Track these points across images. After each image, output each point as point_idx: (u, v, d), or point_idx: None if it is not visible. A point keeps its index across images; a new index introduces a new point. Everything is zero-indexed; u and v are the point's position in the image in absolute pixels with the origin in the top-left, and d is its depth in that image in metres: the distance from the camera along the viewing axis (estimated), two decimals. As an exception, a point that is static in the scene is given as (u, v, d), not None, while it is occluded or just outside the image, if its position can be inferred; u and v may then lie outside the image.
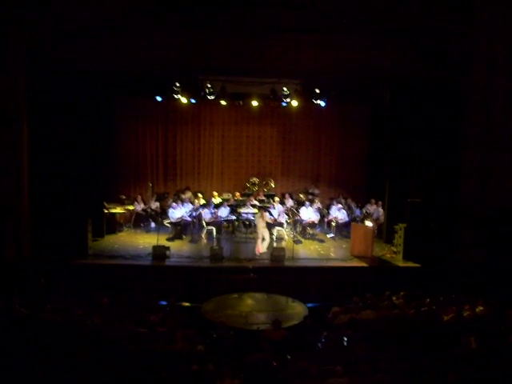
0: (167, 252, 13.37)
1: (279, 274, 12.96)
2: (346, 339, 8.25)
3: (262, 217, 14.25)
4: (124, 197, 17.58)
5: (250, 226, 15.80)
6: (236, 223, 16.17)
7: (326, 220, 16.79)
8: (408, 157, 14.75)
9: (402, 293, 10.84)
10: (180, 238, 15.32)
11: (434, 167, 14.02)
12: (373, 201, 17.07)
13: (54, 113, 13.53)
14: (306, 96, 15.44)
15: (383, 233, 15.89)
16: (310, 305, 11.45)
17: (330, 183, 19.92)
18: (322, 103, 15.68)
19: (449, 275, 12.62)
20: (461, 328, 8.54)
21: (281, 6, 12.02)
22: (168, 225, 15.78)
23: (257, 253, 13.83)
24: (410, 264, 13.55)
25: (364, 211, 16.91)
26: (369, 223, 14.45)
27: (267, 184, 18.91)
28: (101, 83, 14.50)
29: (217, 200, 16.94)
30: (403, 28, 12.35)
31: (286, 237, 15.69)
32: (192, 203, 16.52)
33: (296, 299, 11.65)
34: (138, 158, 19.14)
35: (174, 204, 15.74)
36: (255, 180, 18.90)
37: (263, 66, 13.45)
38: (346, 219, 16.24)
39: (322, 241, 15.73)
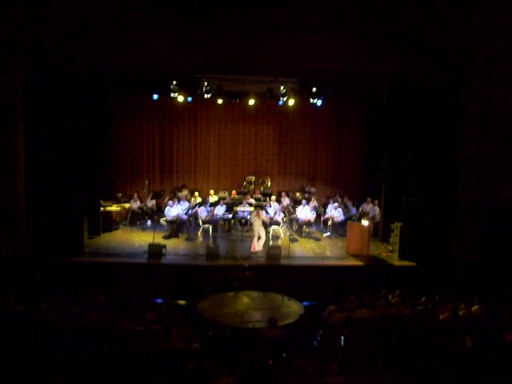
0: (163, 250, 13.36)
1: (275, 273, 12.97)
2: (342, 338, 8.25)
3: (258, 215, 14.27)
4: (120, 194, 17.56)
5: (246, 224, 15.81)
6: (232, 221, 16.17)
7: (322, 218, 16.79)
8: (405, 156, 14.75)
9: (397, 291, 10.85)
10: (176, 236, 15.30)
11: (431, 166, 14.03)
12: (369, 199, 17.09)
13: (51, 111, 13.47)
14: (303, 95, 15.46)
15: (379, 232, 15.91)
16: (305, 303, 11.48)
17: (326, 182, 19.94)
18: (319, 102, 15.69)
19: (444, 274, 12.66)
20: (456, 327, 8.57)
21: (279, 4, 12.03)
22: (164, 223, 15.77)
23: (252, 251, 13.83)
24: (406, 263, 13.57)
25: (360, 210, 16.94)
26: (365, 222, 14.47)
27: (263, 182, 18.89)
28: (97, 81, 14.47)
29: (213, 198, 16.93)
30: (401, 27, 12.37)
31: (282, 235, 15.70)
32: (188, 201, 16.53)
33: (292, 298, 11.67)
34: (135, 155, 19.13)
35: (170, 202, 15.73)
36: (251, 178, 18.89)
37: (260, 64, 13.43)
38: (342, 218, 16.25)
39: (318, 239, 15.74)
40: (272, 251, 13.41)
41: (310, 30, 12.50)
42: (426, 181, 14.10)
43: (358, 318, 9.36)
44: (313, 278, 12.84)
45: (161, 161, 19.38)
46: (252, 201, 16.63)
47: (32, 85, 12.88)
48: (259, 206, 15.41)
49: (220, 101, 16.47)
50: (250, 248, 13.98)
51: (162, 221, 15.85)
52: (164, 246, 13.47)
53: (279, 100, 15.73)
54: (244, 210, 15.70)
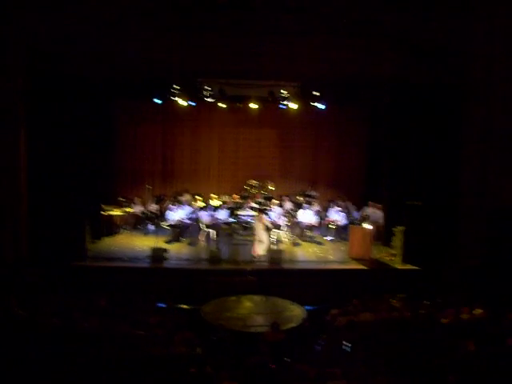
0: (165, 254, 13.37)
1: (278, 277, 12.95)
2: (348, 345, 8.21)
3: (260, 219, 14.25)
4: (122, 199, 17.56)
5: (248, 228, 15.79)
6: (234, 226, 16.15)
7: (324, 222, 16.78)
8: (407, 159, 14.74)
9: (400, 295, 10.83)
10: (178, 240, 15.30)
11: (433, 169, 14.02)
12: (371, 203, 17.04)
13: (53, 114, 13.51)
14: (305, 98, 15.46)
15: (382, 235, 15.87)
16: (308, 307, 11.45)
17: (328, 185, 19.91)
18: (321, 106, 15.70)
19: (447, 278, 12.62)
20: (459, 331, 8.54)
21: (280, 8, 12.04)
22: (166, 227, 15.78)
23: (253, 254, 13.80)
24: (409, 266, 13.55)
25: (362, 213, 16.89)
26: (367, 225, 14.45)
27: (265, 186, 18.85)
28: (99, 85, 14.49)
29: (215, 202, 16.92)
30: (402, 29, 12.37)
31: (284, 239, 15.69)
32: (190, 205, 16.53)
33: (294, 302, 11.64)
34: (137, 159, 19.15)
35: (172, 206, 15.74)
36: (253, 182, 18.86)
37: (262, 68, 13.46)
38: (345, 221, 16.23)
39: (320, 243, 15.73)
40: (274, 255, 13.40)
41: (310, 34, 12.51)
42: (428, 184, 14.09)
43: (361, 322, 9.33)
44: (315, 281, 12.81)
45: (163, 165, 19.40)
46: (254, 205, 16.62)
47: (34, 88, 12.91)
48: (261, 211, 15.39)
49: (222, 105, 16.50)
50: (251, 251, 13.95)
51: (163, 225, 15.84)
52: (166, 251, 13.47)
53: (281, 104, 15.73)
54: (246, 214, 15.69)
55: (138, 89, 15.49)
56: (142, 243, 15.00)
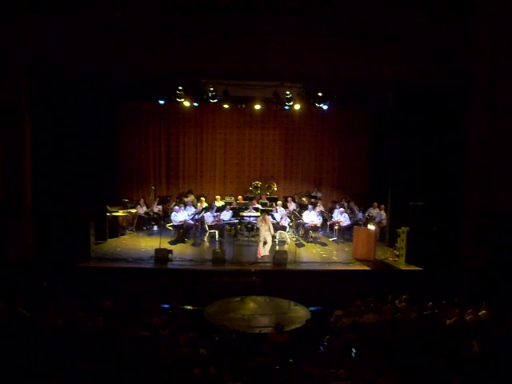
0: (169, 255, 13.38)
1: (281, 278, 12.94)
2: (354, 350, 8.19)
3: (265, 220, 14.25)
4: (126, 200, 17.62)
5: (252, 229, 15.80)
6: (238, 226, 16.18)
7: (328, 223, 16.79)
8: (410, 160, 14.73)
9: (404, 296, 10.80)
10: (182, 241, 15.31)
11: (436, 170, 14.00)
12: (375, 204, 17.08)
13: (58, 115, 13.55)
14: (309, 99, 15.46)
15: (386, 236, 15.88)
16: (312, 308, 11.45)
17: (332, 186, 19.94)
18: (325, 107, 15.70)
19: (451, 279, 12.59)
20: (463, 332, 8.52)
21: (284, 9, 12.05)
22: (170, 228, 15.80)
23: (258, 256, 13.81)
24: (413, 267, 13.53)
25: (366, 214, 16.92)
26: (371, 226, 14.44)
27: (270, 187, 18.90)
28: (104, 86, 14.54)
29: (219, 203, 16.94)
30: (405, 31, 12.36)
31: (288, 240, 15.69)
32: (194, 206, 16.55)
33: (298, 302, 11.64)
34: (141, 161, 19.21)
35: (176, 207, 15.75)
36: (258, 183, 18.90)
37: (265, 69, 13.45)
38: (349, 222, 16.22)
39: (324, 244, 15.72)
40: (278, 256, 13.40)
41: (314, 35, 12.52)
42: (432, 185, 14.07)
43: (365, 323, 9.33)
44: (319, 282, 12.80)
45: (167, 166, 19.45)
46: (258, 206, 16.63)
47: (38, 89, 12.95)
48: (265, 211, 15.40)
49: (226, 106, 16.54)
50: (256, 253, 13.97)
51: (168, 226, 15.87)
52: (170, 252, 13.48)
53: (285, 105, 15.74)
54: (250, 215, 15.71)
55: (141, 90, 15.53)
56: (146, 244, 15.03)
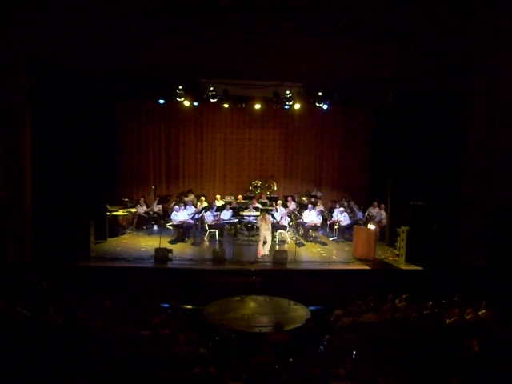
0: (169, 254, 13.37)
1: (281, 277, 12.94)
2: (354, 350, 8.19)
3: (265, 219, 14.24)
4: (126, 199, 17.61)
5: (252, 228, 15.80)
6: (238, 226, 16.17)
7: (328, 223, 16.78)
8: (410, 159, 14.73)
9: (404, 296, 10.80)
10: (182, 240, 15.31)
11: (436, 170, 14.00)
12: (375, 204, 17.07)
13: (58, 115, 13.56)
14: (309, 99, 15.47)
15: (386, 236, 15.88)
16: (312, 308, 11.45)
17: (332, 186, 19.94)
18: (325, 106, 15.70)
19: (451, 278, 12.59)
20: (463, 331, 8.52)
21: (284, 9, 12.05)
22: (170, 227, 15.80)
23: (258, 255, 13.81)
24: (413, 267, 13.53)
25: (366, 214, 16.91)
26: (371, 226, 14.44)
27: (270, 187, 18.89)
28: (104, 85, 14.52)
29: (219, 203, 16.94)
30: (405, 31, 12.36)
31: (288, 239, 15.69)
32: (194, 206, 16.55)
33: (298, 302, 11.63)
34: (141, 160, 19.21)
35: (176, 207, 15.75)
36: (258, 183, 18.90)
37: (266, 68, 13.45)
38: (349, 222, 16.22)
39: (324, 243, 15.72)
40: (278, 256, 13.39)
41: (314, 34, 12.52)
42: (432, 185, 14.08)
43: (365, 323, 9.33)
44: (319, 282, 12.80)
45: (167, 165, 19.45)
46: (258, 205, 16.63)
47: (38, 89, 12.95)
48: (265, 211, 15.40)
49: (226, 105, 16.55)
50: (256, 253, 13.97)
51: (168, 225, 15.87)
52: (170, 251, 13.48)
53: (285, 104, 15.75)
54: (250, 214, 15.70)
55: (141, 90, 15.51)
56: (146, 243, 15.03)
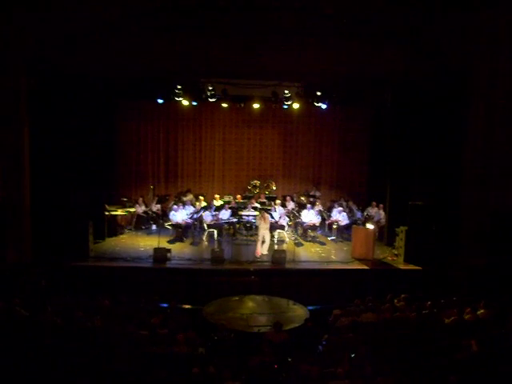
0: (168, 254, 13.37)
1: (280, 277, 12.94)
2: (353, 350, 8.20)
3: (264, 218, 14.25)
4: (125, 199, 17.61)
5: (251, 228, 15.80)
6: (237, 226, 16.17)
7: (327, 222, 16.79)
8: (409, 159, 14.74)
9: (403, 295, 10.81)
10: (181, 240, 15.31)
11: (435, 170, 14.01)
12: (374, 203, 17.07)
13: (56, 114, 13.56)
14: (308, 99, 15.47)
15: (384, 235, 15.89)
16: (310, 307, 11.46)
17: (331, 186, 19.95)
18: (324, 106, 15.70)
19: (450, 278, 12.61)
20: (462, 331, 8.53)
21: (282, 8, 12.03)
22: (169, 227, 15.81)
23: (256, 255, 13.82)
24: (411, 267, 13.54)
25: (365, 214, 16.91)
26: (370, 226, 14.44)
27: (268, 186, 18.91)
28: (102, 85, 14.52)
29: (218, 202, 16.94)
30: (404, 29, 12.35)
31: (287, 239, 15.70)
32: (193, 205, 16.55)
33: (297, 302, 11.64)
34: (140, 160, 19.20)
35: (175, 206, 15.75)
36: (256, 182, 18.92)
37: (264, 68, 13.46)
38: (347, 222, 16.23)
39: (323, 243, 15.73)
40: (277, 255, 13.40)
41: (312, 34, 12.50)
42: (431, 184, 14.09)
43: (364, 322, 9.34)
44: (318, 282, 12.81)
45: (166, 165, 19.44)
46: (257, 205, 16.63)
47: (37, 89, 12.94)
48: (264, 210, 15.41)
49: (225, 105, 16.53)
50: (255, 252, 13.98)
51: (166, 225, 15.87)
52: (169, 251, 13.48)
53: (284, 104, 15.75)
54: (249, 214, 15.71)
55: (140, 89, 15.52)
56: (144, 243, 15.03)
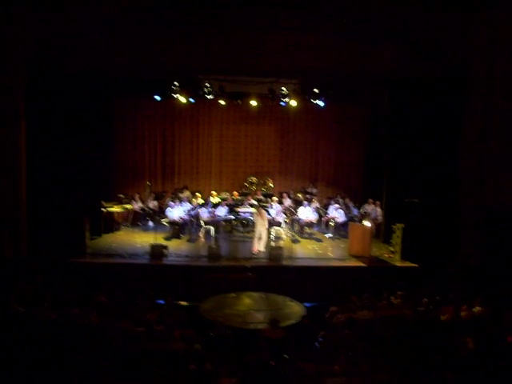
0: (165, 251, 13.37)
1: (277, 274, 12.96)
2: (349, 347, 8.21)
3: (260, 214, 14.24)
4: (122, 195, 17.57)
5: (247, 225, 15.78)
6: (234, 222, 16.15)
7: (323, 219, 16.78)
8: (406, 156, 14.74)
9: (399, 292, 10.85)
10: (178, 237, 15.29)
11: (432, 167, 14.02)
12: (371, 200, 17.06)
13: (53, 111, 13.49)
14: (305, 96, 15.45)
15: (381, 233, 15.90)
16: (307, 304, 11.45)
17: (328, 183, 19.94)
18: (321, 103, 15.69)
19: (446, 275, 12.63)
20: (458, 328, 8.56)
21: (280, 5, 12.02)
22: (166, 224, 15.78)
23: (253, 251, 13.82)
24: (408, 264, 13.56)
25: (362, 211, 16.92)
26: (367, 223, 14.45)
27: (265, 183, 18.91)
28: (99, 82, 14.47)
29: (215, 199, 16.92)
30: (402, 26, 12.35)
31: (283, 236, 15.67)
32: (190, 202, 16.52)
33: (294, 298, 11.63)
34: (136, 156, 19.14)
35: (171, 203, 15.74)
36: (253, 179, 18.91)
37: (262, 65, 13.42)
38: (344, 219, 16.22)
39: (319, 240, 15.73)
40: (274, 252, 13.40)
41: (310, 31, 12.51)
42: (428, 181, 14.10)
43: (360, 319, 9.36)
44: (315, 279, 12.83)
45: (162, 162, 19.39)
46: (254, 202, 16.62)
47: (34, 86, 12.89)
48: (261, 206, 15.40)
49: (222, 102, 16.50)
50: (252, 249, 13.97)
51: (163, 222, 15.85)
52: (166, 247, 13.47)
53: (281, 101, 15.72)
54: (246, 210, 15.70)
55: (137, 86, 15.48)
56: (141, 240, 14.99)
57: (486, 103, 12.53)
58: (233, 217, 15.76)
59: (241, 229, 16.07)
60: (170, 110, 18.66)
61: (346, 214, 16.53)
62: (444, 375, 6.55)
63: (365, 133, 19.11)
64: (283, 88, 15.01)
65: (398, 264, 13.63)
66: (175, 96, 15.10)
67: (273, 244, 14.61)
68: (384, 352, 7.67)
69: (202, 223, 15.58)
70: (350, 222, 15.26)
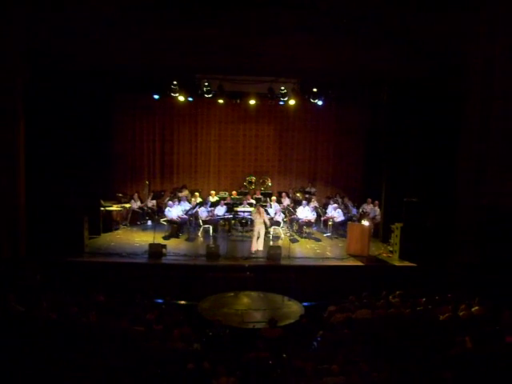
0: (163, 250, 13.37)
1: (275, 273, 12.96)
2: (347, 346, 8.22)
3: (259, 212, 14.24)
4: (120, 195, 17.58)
5: (246, 224, 15.80)
6: (232, 222, 16.17)
7: (322, 219, 16.80)
8: (405, 156, 14.76)
9: (397, 292, 10.85)
10: (176, 236, 15.29)
11: (430, 167, 14.04)
12: (369, 200, 17.10)
13: (52, 110, 13.50)
14: (304, 95, 15.46)
15: (380, 232, 15.92)
16: (305, 303, 11.48)
17: (326, 182, 19.96)
18: (320, 102, 15.70)
19: (445, 275, 12.64)
20: (456, 327, 8.56)
21: (279, 5, 12.00)
22: (164, 223, 15.78)
23: (251, 250, 13.83)
24: (407, 263, 13.57)
25: (360, 210, 16.95)
26: (365, 222, 14.46)
27: (264, 183, 18.91)
28: (98, 81, 14.46)
29: (213, 198, 16.93)
30: (401, 26, 12.34)
31: (282, 235, 15.70)
32: (189, 201, 16.53)
33: (292, 298, 11.67)
34: (135, 155, 19.15)
35: (170, 202, 15.74)
36: (252, 178, 18.92)
37: (261, 64, 13.42)
38: (343, 218, 16.24)
39: (318, 240, 15.74)
40: (272, 251, 13.41)
41: (309, 30, 12.48)
42: (426, 181, 14.13)
43: (359, 319, 9.36)
44: (313, 278, 12.83)
45: (161, 161, 19.40)
46: (252, 201, 16.63)
47: (33, 85, 12.89)
48: (260, 204, 15.41)
49: (221, 101, 16.51)
50: (250, 248, 13.98)
51: (162, 221, 15.85)
52: (164, 246, 13.48)
53: (280, 100, 15.73)
54: (244, 210, 15.71)
55: (136, 85, 15.45)
56: (140, 239, 15.00)
57: (485, 103, 12.53)
58: (231, 216, 15.77)
59: (239, 228, 16.11)
60: (169, 109, 18.68)
61: (344, 213, 16.54)
62: (442, 374, 6.56)
63: (363, 132, 19.14)
64: (282, 87, 15.01)
65: (397, 263, 13.65)
66: (174, 95, 15.10)
67: (271, 243, 14.63)
68: (382, 351, 7.68)
69: (201, 222, 15.60)
70: (349, 222, 15.29)
